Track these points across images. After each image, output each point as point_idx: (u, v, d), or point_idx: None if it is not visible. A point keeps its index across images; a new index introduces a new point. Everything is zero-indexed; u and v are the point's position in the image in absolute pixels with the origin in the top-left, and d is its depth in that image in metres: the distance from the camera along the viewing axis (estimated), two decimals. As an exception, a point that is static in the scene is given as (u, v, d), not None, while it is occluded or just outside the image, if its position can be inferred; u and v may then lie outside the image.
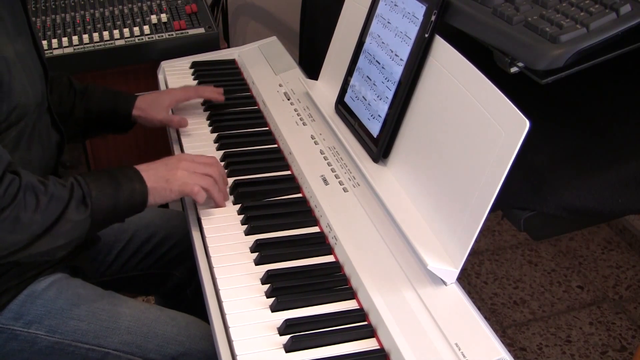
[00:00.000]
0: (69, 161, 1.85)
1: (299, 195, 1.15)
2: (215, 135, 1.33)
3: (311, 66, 1.55)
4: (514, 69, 0.94)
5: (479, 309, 0.94)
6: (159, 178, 1.06)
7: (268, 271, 0.97)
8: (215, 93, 1.41)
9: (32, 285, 1.12)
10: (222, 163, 1.24)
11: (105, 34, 1.74)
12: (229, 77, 1.56)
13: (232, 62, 1.63)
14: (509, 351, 0.82)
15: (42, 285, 1.12)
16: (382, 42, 1.15)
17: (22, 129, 1.05)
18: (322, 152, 1.21)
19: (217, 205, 1.12)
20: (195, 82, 1.54)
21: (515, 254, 2.34)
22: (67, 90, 1.32)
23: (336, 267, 1.00)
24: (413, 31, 1.07)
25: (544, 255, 2.33)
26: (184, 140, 1.32)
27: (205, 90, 1.41)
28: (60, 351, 1.10)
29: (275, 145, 1.30)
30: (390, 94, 1.11)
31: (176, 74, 1.57)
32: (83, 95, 1.33)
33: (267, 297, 0.94)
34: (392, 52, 1.12)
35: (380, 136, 1.12)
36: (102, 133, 1.40)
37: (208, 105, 1.44)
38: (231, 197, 1.15)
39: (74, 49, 1.70)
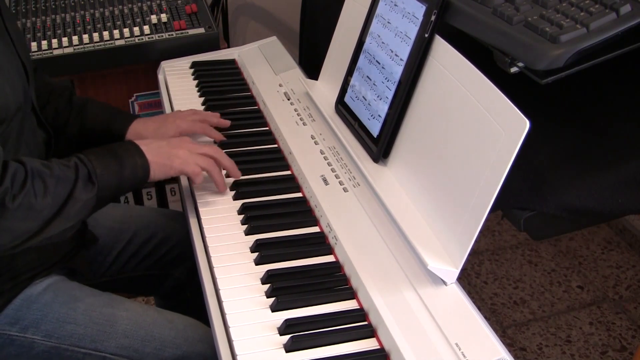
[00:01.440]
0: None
1: (299, 195, 1.15)
2: (215, 135, 1.33)
3: (311, 66, 1.55)
4: (514, 69, 0.94)
5: (479, 309, 0.94)
6: (161, 153, 1.07)
7: (268, 271, 0.97)
8: (219, 134, 1.30)
9: (27, 289, 1.11)
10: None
11: (105, 34, 1.74)
12: (229, 77, 1.56)
13: (232, 62, 1.63)
14: (509, 351, 0.82)
15: (38, 289, 1.12)
16: (382, 42, 1.15)
17: (7, 132, 1.03)
18: (322, 152, 1.21)
19: (217, 187, 1.13)
20: (195, 82, 1.54)
21: (515, 254, 2.34)
22: (64, 105, 1.28)
23: (336, 267, 1.00)
24: (413, 31, 1.07)
25: (544, 255, 2.33)
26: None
27: (211, 131, 1.29)
28: (57, 356, 1.09)
29: (275, 145, 1.30)
30: (390, 94, 1.11)
31: (176, 74, 1.57)
32: (80, 111, 1.28)
33: (267, 297, 0.94)
34: (392, 52, 1.12)
35: (380, 136, 1.12)
36: None
37: (208, 105, 1.43)
38: (231, 197, 1.15)
39: (74, 49, 1.70)
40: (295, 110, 1.35)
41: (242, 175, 1.19)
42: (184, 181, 1.22)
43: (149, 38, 1.73)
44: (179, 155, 1.08)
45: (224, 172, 1.16)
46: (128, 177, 1.03)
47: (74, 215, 0.98)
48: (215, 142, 1.30)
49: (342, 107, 1.25)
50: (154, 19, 1.79)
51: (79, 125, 1.28)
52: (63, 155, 1.30)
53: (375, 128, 1.14)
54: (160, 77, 1.59)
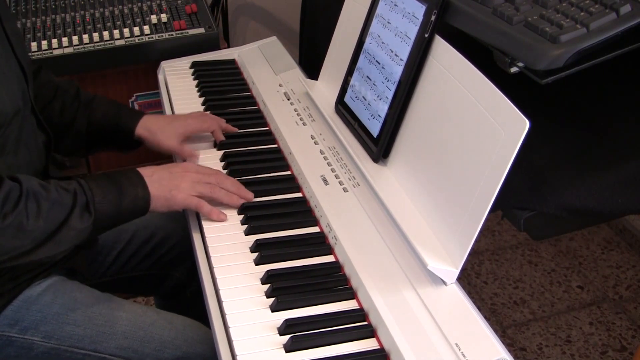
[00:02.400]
0: (68, 161, 1.85)
1: (299, 195, 1.15)
2: (215, 135, 1.33)
3: (311, 66, 1.55)
4: (514, 69, 0.94)
5: (479, 309, 0.94)
6: (163, 187, 1.06)
7: (268, 271, 0.97)
8: (229, 126, 1.33)
9: (27, 290, 1.11)
10: (222, 163, 1.24)
11: (105, 34, 1.74)
12: (229, 77, 1.56)
13: (232, 62, 1.63)
14: (509, 351, 0.82)
15: (38, 290, 1.12)
16: (382, 42, 1.15)
17: (6, 135, 1.03)
18: (322, 152, 1.21)
19: (232, 206, 1.11)
20: (195, 82, 1.54)
21: (515, 254, 2.34)
22: (70, 101, 1.28)
23: (336, 267, 1.00)
24: (413, 31, 1.07)
25: (544, 255, 2.33)
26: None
27: (218, 133, 1.30)
28: (56, 357, 1.09)
29: (275, 145, 1.30)
30: (390, 94, 1.11)
31: (176, 74, 1.57)
32: (87, 106, 1.28)
33: (267, 297, 0.94)
34: (392, 52, 1.12)
35: (380, 136, 1.12)
36: (106, 149, 1.35)
37: (208, 105, 1.43)
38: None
39: (74, 49, 1.70)
40: (295, 110, 1.35)
41: (242, 175, 1.18)
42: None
43: (149, 38, 1.73)
44: (181, 188, 1.07)
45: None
46: (127, 208, 1.02)
47: (66, 241, 0.97)
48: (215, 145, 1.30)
49: (342, 107, 1.25)
50: (154, 19, 1.79)
51: (87, 120, 1.28)
52: (70, 152, 1.30)
53: (375, 128, 1.14)
54: (160, 77, 1.59)
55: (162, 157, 1.34)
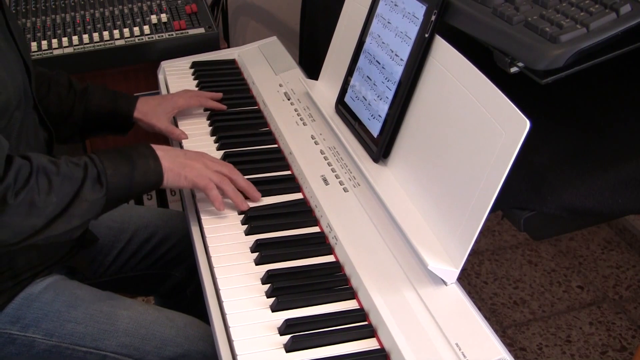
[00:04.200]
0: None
1: (299, 195, 1.15)
2: (215, 135, 1.33)
3: (311, 66, 1.55)
4: (514, 69, 0.94)
5: (479, 309, 0.94)
6: (176, 163, 1.06)
7: (268, 271, 0.97)
8: (217, 104, 1.40)
9: (28, 288, 1.11)
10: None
11: (105, 34, 1.74)
12: (229, 77, 1.56)
13: (232, 62, 1.63)
14: (509, 351, 0.82)
15: (39, 287, 1.12)
16: (382, 42, 1.15)
17: (8, 129, 1.03)
18: (322, 152, 1.21)
19: (236, 205, 1.10)
20: (195, 82, 1.54)
21: (515, 254, 2.34)
22: (66, 91, 1.31)
23: (336, 267, 1.00)
24: (413, 31, 1.07)
25: (544, 255, 2.33)
26: (183, 139, 1.32)
27: (207, 101, 1.39)
28: (58, 354, 1.09)
29: (275, 145, 1.30)
30: (390, 94, 1.11)
31: (176, 74, 1.57)
32: (83, 96, 1.31)
33: (268, 297, 0.94)
34: (392, 52, 1.12)
35: (381, 136, 1.12)
36: (101, 133, 1.39)
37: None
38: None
39: (74, 49, 1.70)
40: (295, 110, 1.35)
41: (242, 175, 1.18)
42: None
43: (149, 38, 1.73)
44: (194, 167, 1.07)
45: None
46: (139, 181, 1.02)
47: (80, 215, 0.97)
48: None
49: (342, 107, 1.25)
50: (154, 19, 1.79)
51: (83, 108, 1.31)
52: (65, 140, 1.32)
53: (375, 128, 1.14)
54: (160, 77, 1.59)
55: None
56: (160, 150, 1.06)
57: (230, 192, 1.10)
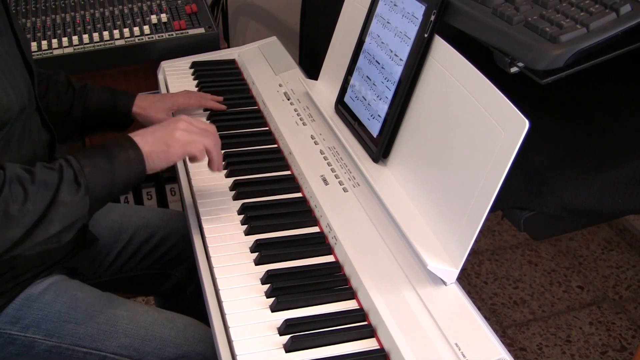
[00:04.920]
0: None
1: (299, 195, 1.15)
2: (215, 135, 1.33)
3: (311, 66, 1.55)
4: (514, 69, 0.94)
5: (479, 309, 0.94)
6: (157, 141, 1.02)
7: (268, 271, 0.97)
8: (216, 103, 1.41)
9: (28, 289, 1.11)
10: (222, 163, 1.24)
11: (105, 34, 1.74)
12: (229, 77, 1.56)
13: (232, 62, 1.63)
14: (509, 351, 0.82)
15: (39, 288, 1.12)
16: (382, 42, 1.15)
17: (10, 131, 1.02)
18: (322, 152, 1.21)
19: (214, 168, 1.08)
20: (195, 82, 1.54)
21: (515, 254, 2.34)
22: (65, 89, 1.31)
23: (336, 267, 1.00)
24: (412, 31, 1.07)
25: (544, 255, 2.33)
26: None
27: (207, 100, 1.40)
28: (58, 355, 1.09)
29: (275, 145, 1.30)
30: (390, 94, 1.11)
31: (176, 74, 1.57)
32: (81, 93, 1.32)
33: (267, 297, 0.94)
34: (391, 52, 1.12)
35: (380, 136, 1.12)
36: (100, 131, 1.39)
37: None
38: (231, 197, 1.15)
39: (74, 49, 1.70)
40: (295, 110, 1.35)
41: (242, 175, 1.19)
42: (183, 181, 1.22)
43: (149, 38, 1.73)
44: (177, 137, 1.03)
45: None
46: (121, 174, 0.98)
47: (59, 220, 0.93)
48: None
49: (342, 107, 1.25)
50: (154, 19, 1.79)
51: (83, 106, 1.31)
52: (64, 138, 1.33)
53: (375, 128, 1.14)
54: (160, 77, 1.59)
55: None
56: (137, 136, 1.02)
57: (215, 157, 1.07)
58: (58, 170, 0.95)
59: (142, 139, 1.02)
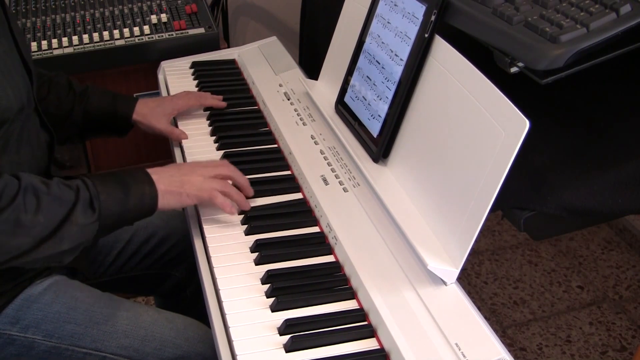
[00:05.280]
0: (68, 161, 1.85)
1: (299, 195, 1.15)
2: (215, 135, 1.33)
3: (311, 66, 1.55)
4: (514, 69, 0.94)
5: (479, 309, 0.94)
6: (173, 182, 1.04)
7: (268, 271, 0.97)
8: (216, 101, 1.40)
9: (28, 289, 1.11)
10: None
11: (105, 34, 1.74)
12: (229, 77, 1.56)
13: (232, 62, 1.63)
14: (509, 351, 0.82)
15: (39, 289, 1.12)
16: (382, 42, 1.15)
17: (9, 132, 1.02)
18: (322, 152, 1.21)
19: (240, 207, 1.09)
20: (195, 82, 1.54)
21: (515, 254, 2.34)
22: (65, 92, 1.30)
23: (336, 267, 1.00)
24: (413, 31, 1.07)
25: (544, 255, 2.33)
26: (183, 140, 1.32)
27: (207, 99, 1.40)
28: (57, 355, 1.09)
29: (275, 145, 1.30)
30: (390, 94, 1.11)
31: (176, 74, 1.57)
32: (82, 97, 1.31)
33: (267, 297, 0.94)
34: (392, 52, 1.12)
35: (380, 136, 1.12)
36: (100, 135, 1.39)
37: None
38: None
39: (74, 49, 1.70)
40: (295, 110, 1.35)
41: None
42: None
43: (149, 38, 1.73)
44: (193, 182, 1.05)
45: None
46: (133, 206, 0.99)
47: (70, 238, 0.94)
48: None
49: (342, 107, 1.25)
50: (154, 19, 1.79)
51: (83, 110, 1.31)
52: (64, 141, 1.33)
53: (375, 128, 1.14)
54: (160, 77, 1.59)
55: (161, 156, 1.37)
56: (155, 174, 1.03)
57: (235, 195, 1.08)
58: (75, 190, 0.96)
59: (159, 176, 1.03)
